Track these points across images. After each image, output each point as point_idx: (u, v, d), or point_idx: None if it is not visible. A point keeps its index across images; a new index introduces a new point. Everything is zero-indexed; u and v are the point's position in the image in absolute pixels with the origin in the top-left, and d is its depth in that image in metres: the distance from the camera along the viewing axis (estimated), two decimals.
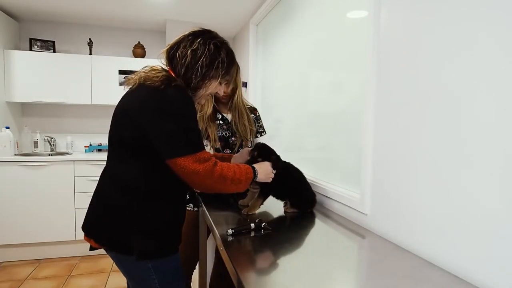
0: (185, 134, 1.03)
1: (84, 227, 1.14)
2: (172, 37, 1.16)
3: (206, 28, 1.16)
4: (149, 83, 1.04)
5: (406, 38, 1.07)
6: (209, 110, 1.70)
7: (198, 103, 1.20)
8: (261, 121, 1.95)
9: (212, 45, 1.10)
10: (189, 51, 1.08)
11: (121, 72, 3.43)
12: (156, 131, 1.01)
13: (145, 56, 3.68)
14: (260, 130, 1.92)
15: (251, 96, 3.04)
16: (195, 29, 1.14)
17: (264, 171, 1.27)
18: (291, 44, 2.19)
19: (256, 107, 1.97)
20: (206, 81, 1.11)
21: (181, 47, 1.10)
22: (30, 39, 3.35)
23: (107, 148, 3.62)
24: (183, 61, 1.08)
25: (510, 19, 0.75)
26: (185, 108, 1.04)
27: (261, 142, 1.48)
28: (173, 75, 1.10)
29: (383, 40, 1.18)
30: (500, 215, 0.77)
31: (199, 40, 1.10)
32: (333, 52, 1.63)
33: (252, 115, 1.87)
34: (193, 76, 1.08)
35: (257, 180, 1.24)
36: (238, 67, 1.22)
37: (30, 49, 3.34)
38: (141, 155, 1.05)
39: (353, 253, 1.05)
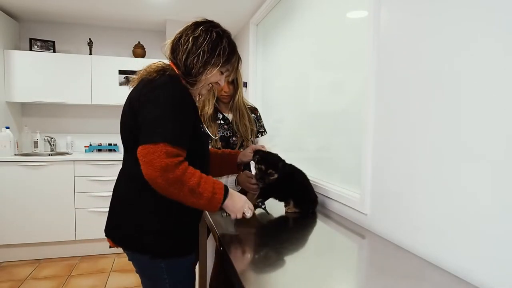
0: (164, 122, 0.96)
1: (105, 229, 1.16)
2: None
3: (209, 19, 1.17)
4: (146, 76, 1.06)
5: (406, 38, 1.07)
6: (210, 110, 1.70)
7: (199, 93, 1.19)
8: (262, 121, 1.95)
9: (214, 33, 1.11)
10: (191, 38, 1.09)
11: (121, 72, 3.43)
12: (141, 118, 1.00)
13: (145, 56, 3.68)
14: (261, 130, 1.92)
15: (251, 96, 3.04)
16: (198, 19, 1.15)
17: (237, 204, 1.09)
18: (291, 44, 2.19)
19: (256, 107, 1.97)
20: (207, 68, 1.11)
21: (184, 35, 1.11)
22: (30, 39, 3.35)
23: (107, 148, 3.65)
24: (184, 47, 1.09)
25: (510, 19, 0.75)
26: (173, 96, 1.01)
27: (262, 150, 1.43)
28: (173, 66, 1.10)
29: (383, 40, 1.18)
30: (500, 215, 0.77)
31: (201, 27, 1.11)
32: (333, 52, 1.63)
33: (253, 115, 1.87)
34: (194, 62, 1.08)
35: (224, 207, 1.07)
36: (239, 58, 1.21)
37: (30, 49, 3.33)
38: None
39: (353, 253, 1.06)
